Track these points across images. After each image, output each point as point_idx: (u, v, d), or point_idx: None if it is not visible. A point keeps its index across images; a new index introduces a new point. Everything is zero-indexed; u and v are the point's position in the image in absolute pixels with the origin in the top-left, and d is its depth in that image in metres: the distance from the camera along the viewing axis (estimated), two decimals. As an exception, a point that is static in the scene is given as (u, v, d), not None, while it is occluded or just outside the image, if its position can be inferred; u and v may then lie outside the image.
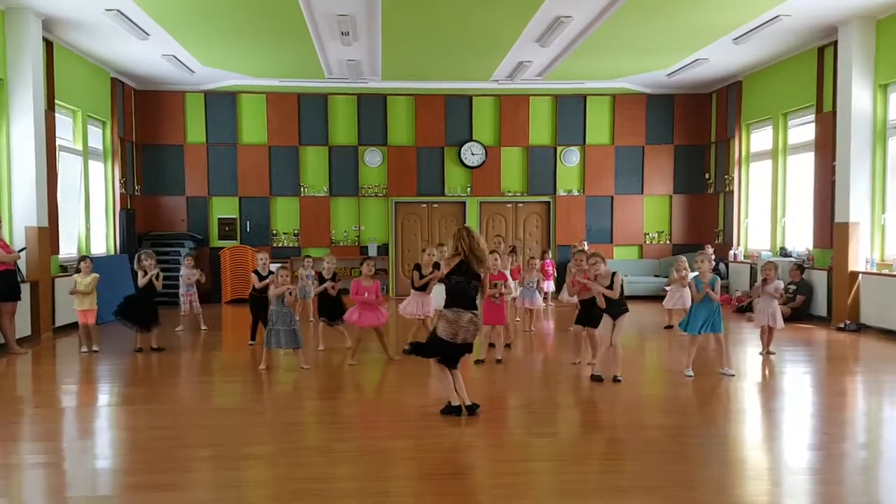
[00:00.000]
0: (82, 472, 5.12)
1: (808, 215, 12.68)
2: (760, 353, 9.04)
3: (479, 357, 8.45)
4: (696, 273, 8.05)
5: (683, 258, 11.29)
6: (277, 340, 8.16)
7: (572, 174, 16.28)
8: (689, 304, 11.05)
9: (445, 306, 6.24)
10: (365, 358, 8.75)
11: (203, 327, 11.33)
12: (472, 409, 6.24)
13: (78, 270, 9.58)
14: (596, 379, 7.49)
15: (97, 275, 9.63)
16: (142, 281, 9.51)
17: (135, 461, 5.27)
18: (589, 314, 8.12)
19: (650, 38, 11.97)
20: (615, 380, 7.41)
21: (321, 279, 9.51)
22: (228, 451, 5.40)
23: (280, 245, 15.70)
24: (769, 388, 7.61)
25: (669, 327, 11.27)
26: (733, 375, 7.68)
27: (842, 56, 11.27)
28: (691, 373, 7.74)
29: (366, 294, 8.46)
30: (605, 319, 7.66)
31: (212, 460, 5.26)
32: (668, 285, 11.55)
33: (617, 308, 7.54)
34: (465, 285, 6.18)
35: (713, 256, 8.02)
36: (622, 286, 7.57)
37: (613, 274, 7.54)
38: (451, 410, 6.22)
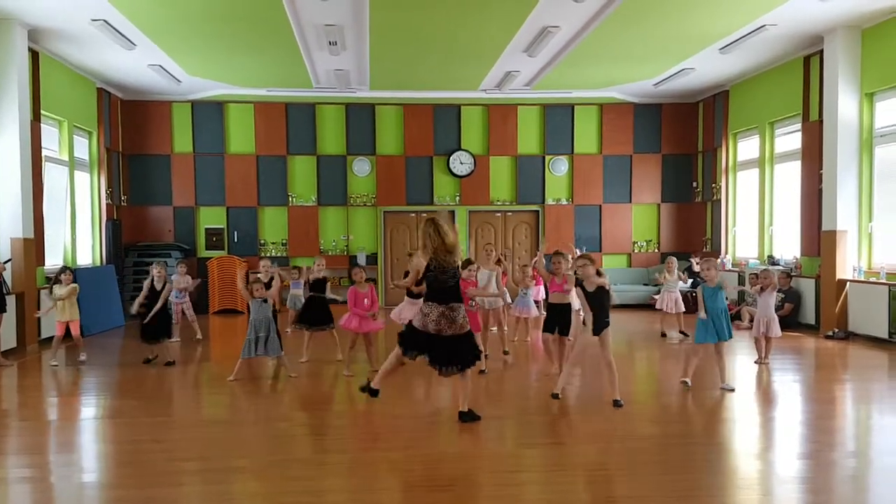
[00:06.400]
0: (69, 487, 5.06)
1: (796, 223, 12.75)
2: (756, 362, 9.05)
3: (480, 367, 8.40)
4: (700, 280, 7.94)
5: (674, 258, 11.39)
6: (259, 349, 8.17)
7: (561, 183, 16.32)
8: (682, 307, 11.14)
9: (424, 300, 6.32)
10: (355, 369, 8.69)
11: (198, 336, 11.22)
12: (465, 417, 6.29)
13: (58, 281, 9.42)
14: (554, 396, 7.12)
15: (76, 285, 9.51)
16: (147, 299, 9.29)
17: (122, 475, 5.21)
18: (558, 320, 8.10)
19: (637, 47, 12.03)
20: (616, 404, 6.81)
21: (311, 283, 9.43)
22: (218, 464, 5.35)
23: (268, 255, 15.62)
24: (759, 396, 7.62)
25: (664, 335, 11.31)
26: (733, 390, 7.53)
27: (828, 65, 11.36)
28: (689, 383, 7.62)
29: (365, 300, 8.47)
30: (586, 334, 7.03)
31: (201, 473, 5.20)
32: (657, 284, 11.59)
33: (601, 322, 6.90)
34: (441, 279, 6.20)
35: (717, 263, 7.92)
36: (609, 294, 7.01)
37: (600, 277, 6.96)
38: (367, 389, 6.56)
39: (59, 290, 9.32)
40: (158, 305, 9.25)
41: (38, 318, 10.64)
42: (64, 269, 9.70)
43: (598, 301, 6.91)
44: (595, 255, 15.76)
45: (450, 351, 6.22)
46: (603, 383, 7.32)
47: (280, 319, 9.02)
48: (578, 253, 8.22)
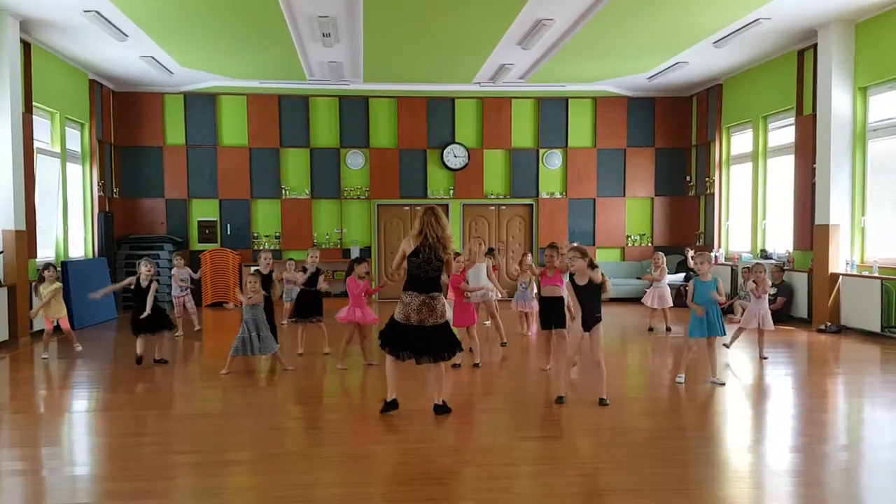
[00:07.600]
0: (61, 480, 5.04)
1: (789, 217, 12.78)
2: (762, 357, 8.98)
3: (455, 361, 8.39)
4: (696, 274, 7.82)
5: (660, 253, 11.35)
6: (253, 348, 8.15)
7: (555, 177, 16.32)
8: (670, 302, 11.14)
9: (404, 289, 6.29)
10: (349, 362, 8.68)
11: (197, 327, 11.16)
12: (439, 409, 6.32)
13: (42, 279, 9.27)
14: (559, 401, 6.79)
15: (59, 285, 9.37)
16: (139, 280, 8.80)
17: (115, 468, 5.19)
18: (553, 314, 8.06)
19: (631, 41, 12.02)
20: (602, 403, 6.65)
21: (305, 272, 9.41)
22: (210, 458, 5.33)
23: (261, 248, 15.59)
24: (752, 390, 7.64)
25: (651, 329, 11.31)
26: (723, 384, 7.52)
27: (821, 59, 11.37)
28: (682, 379, 7.59)
29: (364, 294, 8.48)
30: (575, 330, 6.81)
31: (193, 467, 5.19)
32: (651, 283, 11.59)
33: (591, 317, 6.64)
34: (424, 268, 6.21)
35: (711, 257, 7.83)
36: (605, 280, 6.66)
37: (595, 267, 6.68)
38: (387, 407, 6.31)
39: (44, 290, 9.21)
40: (149, 307, 8.71)
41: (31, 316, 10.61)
42: (47, 265, 9.44)
43: (588, 296, 6.63)
44: (589, 249, 16.01)
45: (428, 340, 6.21)
46: (595, 379, 7.29)
47: (276, 313, 9.02)
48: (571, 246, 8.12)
